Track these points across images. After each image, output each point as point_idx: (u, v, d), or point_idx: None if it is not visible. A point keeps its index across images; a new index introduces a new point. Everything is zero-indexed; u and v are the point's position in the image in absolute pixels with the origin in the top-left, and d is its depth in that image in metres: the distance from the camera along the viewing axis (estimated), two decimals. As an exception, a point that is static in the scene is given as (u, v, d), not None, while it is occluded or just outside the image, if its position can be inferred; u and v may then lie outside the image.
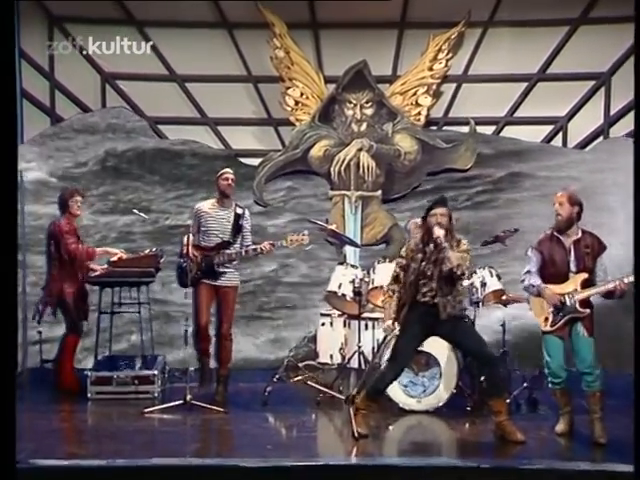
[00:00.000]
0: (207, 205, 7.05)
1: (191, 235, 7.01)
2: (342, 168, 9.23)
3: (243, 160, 9.47)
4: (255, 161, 9.44)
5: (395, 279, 5.87)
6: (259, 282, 8.97)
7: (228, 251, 6.90)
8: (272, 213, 9.22)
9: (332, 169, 9.28)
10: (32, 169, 8.78)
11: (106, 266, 7.27)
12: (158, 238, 8.80)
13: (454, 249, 5.70)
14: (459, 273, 5.65)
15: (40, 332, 7.92)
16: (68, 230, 7.18)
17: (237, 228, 6.98)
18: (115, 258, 7.26)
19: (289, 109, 9.42)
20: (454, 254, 5.67)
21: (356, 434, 5.70)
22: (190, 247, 6.80)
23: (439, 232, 5.65)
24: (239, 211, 7.04)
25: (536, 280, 5.76)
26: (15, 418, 4.07)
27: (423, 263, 5.73)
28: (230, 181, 6.99)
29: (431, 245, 5.73)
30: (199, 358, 7.02)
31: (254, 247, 6.89)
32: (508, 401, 6.28)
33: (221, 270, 6.89)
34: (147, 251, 7.38)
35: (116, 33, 8.87)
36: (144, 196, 8.95)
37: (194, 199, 8.54)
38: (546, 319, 5.77)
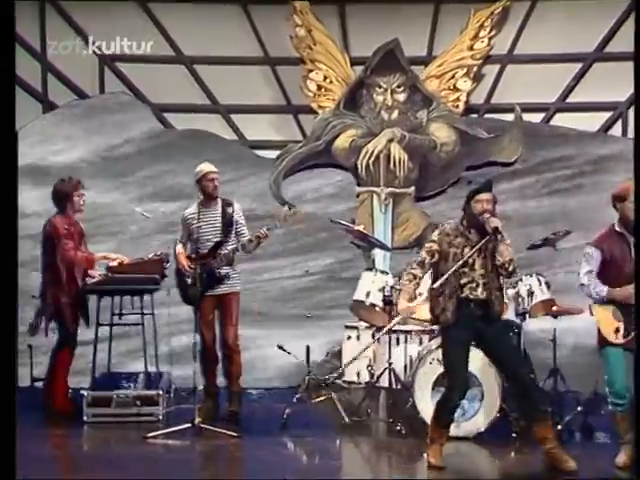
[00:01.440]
0: (192, 210, 7.09)
1: (181, 246, 7.13)
2: (370, 161, 9.29)
3: (258, 152, 9.55)
4: (272, 154, 9.52)
5: (421, 264, 5.83)
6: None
7: (224, 251, 6.97)
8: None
9: (359, 162, 9.33)
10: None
11: (104, 272, 7.31)
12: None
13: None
14: (511, 269, 5.69)
15: (30, 346, 7.95)
16: (67, 233, 7.20)
17: (228, 224, 7.05)
18: (114, 263, 7.28)
19: (311, 95, 9.50)
20: (507, 247, 5.68)
21: (430, 465, 5.74)
22: (183, 259, 6.96)
23: (497, 221, 5.65)
24: (228, 205, 7.09)
25: (601, 286, 5.68)
26: (15, 442, 4.15)
27: (466, 249, 5.72)
28: (216, 182, 7.05)
29: (473, 231, 5.75)
30: (205, 381, 7.11)
31: (248, 237, 6.95)
32: (559, 427, 6.26)
33: (223, 274, 6.97)
34: (151, 255, 7.39)
35: (116, 11, 9.16)
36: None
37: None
38: (617, 330, 5.64)
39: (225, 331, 7.04)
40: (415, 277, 5.81)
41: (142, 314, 7.48)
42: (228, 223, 7.05)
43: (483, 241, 5.68)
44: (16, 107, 6.42)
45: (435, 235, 5.87)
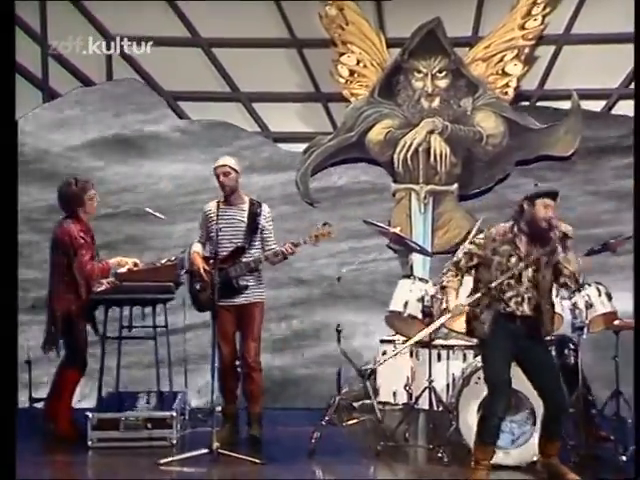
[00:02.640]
0: (213, 205, 7.05)
1: (199, 245, 7.12)
2: (408, 155, 9.31)
3: (283, 146, 9.60)
4: (299, 147, 9.54)
5: (455, 265, 5.94)
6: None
7: (245, 259, 6.96)
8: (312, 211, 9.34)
9: (396, 157, 9.35)
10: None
11: (112, 279, 7.27)
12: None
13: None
14: (578, 282, 5.79)
15: (29, 362, 8.02)
16: (84, 243, 7.19)
17: (253, 229, 7.04)
18: (124, 269, 7.26)
19: (342, 81, 9.50)
20: (575, 256, 5.74)
21: None
22: (199, 260, 6.93)
23: (568, 226, 5.71)
24: (255, 207, 7.09)
25: None
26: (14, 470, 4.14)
27: (512, 259, 5.77)
28: (224, 175, 7.00)
29: (523, 239, 5.76)
30: (223, 402, 7.13)
31: (274, 250, 6.96)
32: (624, 459, 6.33)
33: (241, 285, 6.96)
34: (164, 260, 7.36)
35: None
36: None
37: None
38: None
39: (245, 346, 7.02)
40: (455, 274, 5.93)
41: (154, 327, 7.50)
42: (253, 227, 7.05)
43: (547, 249, 5.72)
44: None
45: (479, 238, 5.93)
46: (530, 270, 5.77)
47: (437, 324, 6.41)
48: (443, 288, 6.17)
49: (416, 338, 6.47)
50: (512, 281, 5.76)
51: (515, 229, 5.84)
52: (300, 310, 9.11)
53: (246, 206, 7.08)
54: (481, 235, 5.95)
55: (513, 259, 5.77)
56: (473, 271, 6.00)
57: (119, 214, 9.08)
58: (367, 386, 7.25)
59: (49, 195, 8.15)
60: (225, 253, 6.91)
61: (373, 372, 7.03)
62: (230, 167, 7.00)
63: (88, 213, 7.34)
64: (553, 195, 5.84)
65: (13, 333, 5.42)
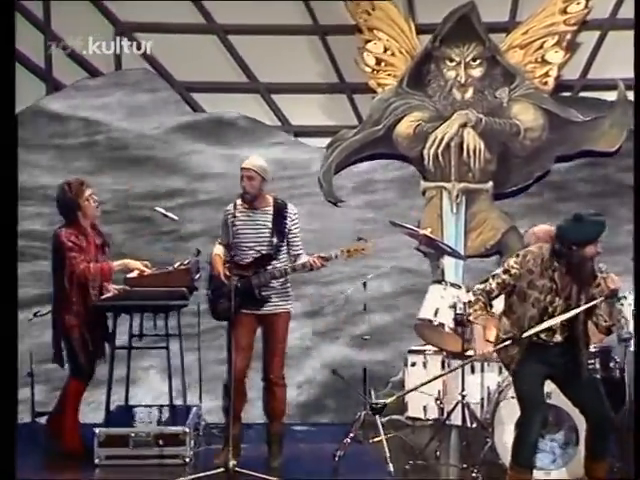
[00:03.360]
0: (240, 207, 7.03)
1: (220, 247, 7.10)
2: (440, 151, 9.28)
3: (305, 140, 9.58)
4: (322, 142, 9.52)
5: (487, 294, 5.95)
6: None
7: (270, 268, 6.94)
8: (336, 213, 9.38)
9: (426, 152, 9.32)
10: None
11: (123, 286, 7.32)
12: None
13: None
14: (611, 331, 5.92)
15: (31, 374, 8.06)
16: (74, 245, 7.22)
17: (279, 233, 7.03)
18: (134, 274, 7.27)
19: (368, 70, 9.47)
20: (618, 309, 5.94)
21: None
22: (219, 265, 6.93)
23: (618, 282, 5.78)
24: (281, 208, 7.08)
25: None
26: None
27: (549, 297, 5.82)
28: (248, 179, 6.94)
29: (561, 270, 5.79)
30: (226, 419, 7.00)
31: (301, 263, 6.96)
32: None
33: (264, 294, 6.94)
34: (177, 264, 7.37)
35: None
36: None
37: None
38: None
39: (268, 359, 7.02)
40: (484, 305, 5.95)
41: (167, 335, 7.49)
42: (279, 232, 7.02)
43: (591, 303, 5.77)
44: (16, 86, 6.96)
45: (513, 264, 5.88)
46: (564, 303, 5.83)
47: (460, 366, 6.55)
48: (469, 321, 6.29)
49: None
50: (546, 317, 5.83)
51: (555, 263, 5.83)
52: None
53: (270, 209, 7.05)
54: (514, 261, 5.91)
55: (550, 296, 5.83)
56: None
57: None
58: (379, 423, 7.18)
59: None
60: (248, 260, 6.93)
61: (384, 407, 6.98)
62: (255, 171, 6.94)
63: (88, 216, 7.36)
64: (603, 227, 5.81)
65: (13, 343, 5.47)
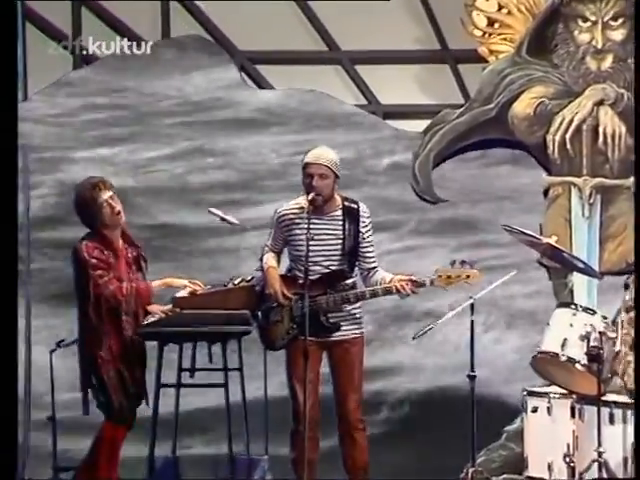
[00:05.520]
0: (294, 210, 6.66)
1: (273, 257, 6.74)
2: (567, 136, 8.52)
3: (394, 123, 8.95)
4: (417, 125, 8.90)
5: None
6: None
7: (342, 287, 6.53)
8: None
9: (550, 138, 8.57)
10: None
11: (170, 307, 6.82)
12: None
13: None
14: None
15: (53, 418, 7.69)
16: (98, 260, 6.69)
17: (352, 242, 6.63)
18: (184, 293, 6.80)
19: (478, 34, 8.73)
20: None
21: None
22: (276, 280, 6.55)
23: None
24: (352, 209, 6.69)
25: None
26: None
27: None
28: (320, 177, 6.47)
29: None
30: (294, 470, 6.64)
31: (385, 286, 6.51)
32: None
33: (332, 322, 6.51)
34: (238, 280, 6.83)
35: None
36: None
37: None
38: None
39: (342, 398, 6.55)
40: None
41: (225, 370, 6.96)
42: (352, 240, 6.61)
43: None
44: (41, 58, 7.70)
45: None
46: None
47: None
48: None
49: None
50: None
51: None
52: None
53: (340, 213, 6.63)
54: None
55: None
56: None
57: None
58: None
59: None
60: (313, 276, 6.52)
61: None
62: (329, 167, 6.51)
63: (107, 224, 6.81)
64: None
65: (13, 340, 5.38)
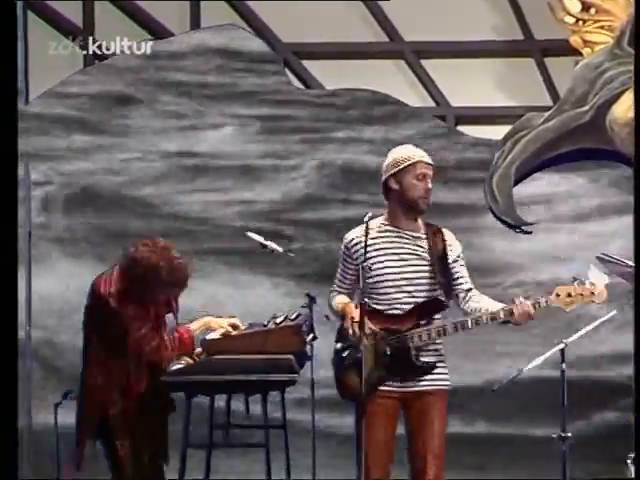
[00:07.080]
0: (374, 231, 6.06)
1: (344, 299, 6.18)
2: None
3: (467, 130, 8.65)
4: (494, 132, 8.54)
5: None
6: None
7: (437, 322, 5.99)
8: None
9: None
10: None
11: (200, 350, 6.27)
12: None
13: None
14: None
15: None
16: (135, 312, 6.07)
17: (443, 267, 6.15)
18: (217, 335, 6.25)
19: (570, 21, 8.31)
20: None
21: None
22: (353, 311, 5.98)
23: None
24: (436, 234, 6.19)
25: None
26: None
27: None
28: (428, 179, 5.95)
29: None
30: None
31: (491, 312, 5.87)
32: None
33: (425, 362, 5.94)
34: (280, 319, 6.26)
35: None
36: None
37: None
38: None
39: (421, 461, 5.87)
40: None
41: (266, 427, 6.47)
42: (442, 264, 6.15)
43: None
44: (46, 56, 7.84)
45: None
46: None
47: None
48: None
49: None
50: None
51: None
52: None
53: (423, 232, 6.12)
54: None
55: None
56: None
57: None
58: None
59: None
60: (398, 307, 5.99)
61: None
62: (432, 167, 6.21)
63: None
64: None
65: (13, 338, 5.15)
